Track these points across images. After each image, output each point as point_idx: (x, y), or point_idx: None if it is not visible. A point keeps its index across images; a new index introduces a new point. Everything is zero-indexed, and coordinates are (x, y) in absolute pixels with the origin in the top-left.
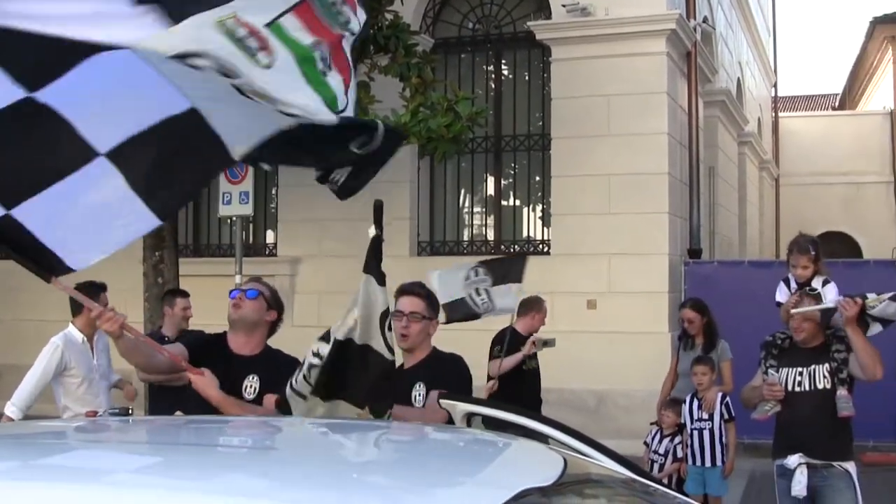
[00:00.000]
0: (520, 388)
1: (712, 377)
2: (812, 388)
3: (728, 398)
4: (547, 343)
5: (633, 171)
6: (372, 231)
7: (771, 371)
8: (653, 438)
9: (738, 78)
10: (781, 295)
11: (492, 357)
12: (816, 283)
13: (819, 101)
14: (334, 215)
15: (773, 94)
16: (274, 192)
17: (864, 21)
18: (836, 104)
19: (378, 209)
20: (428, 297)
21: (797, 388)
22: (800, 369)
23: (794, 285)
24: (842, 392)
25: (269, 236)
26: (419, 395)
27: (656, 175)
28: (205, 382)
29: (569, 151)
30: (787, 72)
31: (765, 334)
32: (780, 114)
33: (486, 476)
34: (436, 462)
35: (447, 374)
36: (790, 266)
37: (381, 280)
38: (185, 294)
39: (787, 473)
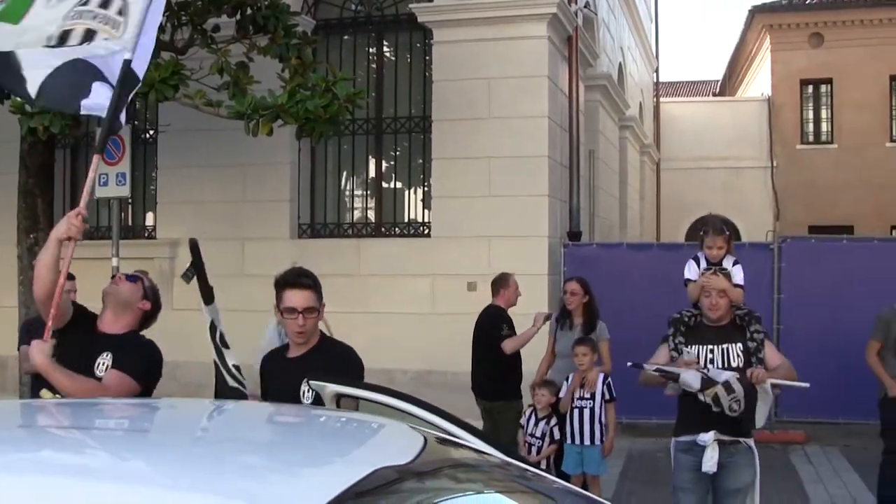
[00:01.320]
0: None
1: (593, 357)
2: (725, 366)
3: (609, 378)
4: (548, 317)
5: (513, 154)
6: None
7: (683, 349)
8: (527, 421)
9: (620, 63)
10: (691, 272)
11: (499, 337)
12: (727, 262)
13: (700, 87)
14: (215, 197)
15: (654, 80)
16: (154, 173)
17: (743, 9)
18: (717, 90)
19: (194, 248)
20: (315, 285)
21: (709, 366)
22: (711, 347)
23: (703, 264)
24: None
25: (149, 218)
26: (306, 391)
27: (536, 158)
28: (36, 346)
29: (449, 134)
30: (669, 58)
31: (643, 315)
32: (662, 99)
33: (344, 455)
34: (296, 442)
35: (342, 364)
36: (704, 247)
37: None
38: (70, 276)
39: (694, 449)
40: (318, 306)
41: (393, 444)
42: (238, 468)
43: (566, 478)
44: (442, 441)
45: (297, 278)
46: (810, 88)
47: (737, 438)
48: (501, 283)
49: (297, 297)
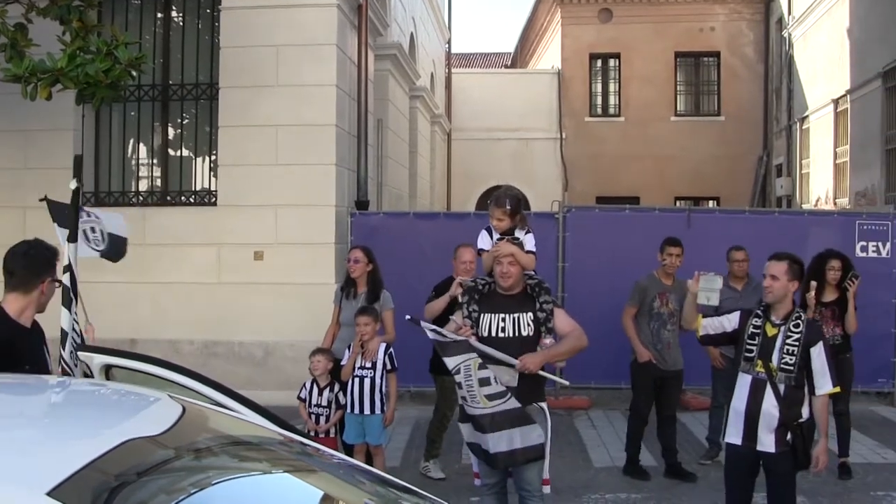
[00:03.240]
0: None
1: (375, 327)
2: (516, 334)
3: (392, 348)
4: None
5: (301, 123)
6: (73, 184)
7: (482, 316)
8: (309, 393)
9: (412, 33)
10: (484, 242)
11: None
12: (519, 233)
13: (493, 59)
14: None
15: (446, 51)
16: None
17: None
18: (509, 63)
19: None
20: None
21: (500, 335)
22: (503, 315)
23: (496, 234)
24: (548, 341)
25: None
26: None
27: (324, 127)
28: None
29: (237, 101)
30: (462, 30)
31: (430, 283)
32: (454, 70)
33: (95, 427)
34: (44, 415)
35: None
36: (490, 217)
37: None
38: None
39: None
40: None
41: (147, 414)
42: None
43: (349, 448)
44: (199, 411)
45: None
46: (599, 62)
47: (528, 403)
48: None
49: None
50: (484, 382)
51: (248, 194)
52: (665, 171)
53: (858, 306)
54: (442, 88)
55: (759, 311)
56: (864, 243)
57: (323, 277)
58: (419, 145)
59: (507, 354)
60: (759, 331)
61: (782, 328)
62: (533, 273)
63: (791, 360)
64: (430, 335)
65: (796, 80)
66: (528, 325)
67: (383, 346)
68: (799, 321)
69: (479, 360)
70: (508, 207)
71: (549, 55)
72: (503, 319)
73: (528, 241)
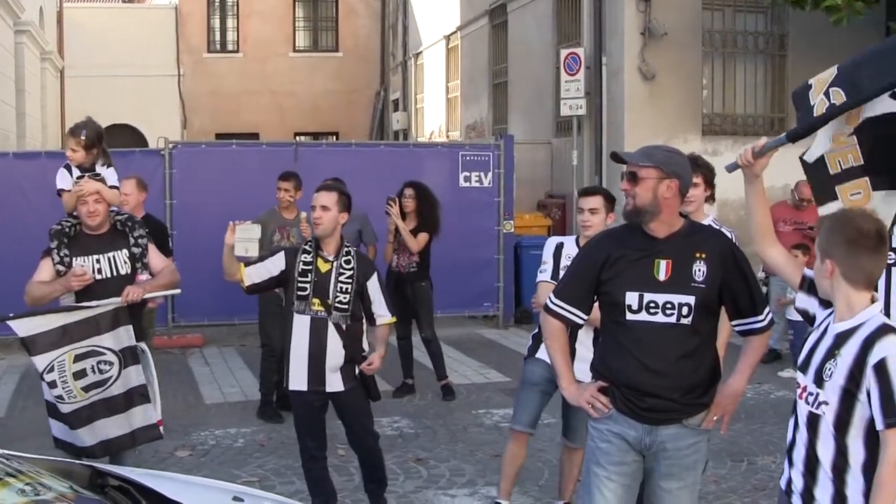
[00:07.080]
0: None
1: None
2: (115, 273)
3: None
4: None
5: None
6: None
7: (75, 260)
8: None
9: None
10: (64, 182)
11: None
12: (101, 168)
13: None
14: None
15: None
16: None
17: None
18: None
19: None
20: None
21: (98, 276)
22: (97, 256)
23: (76, 171)
24: (144, 277)
25: None
26: None
27: None
28: None
29: None
30: None
31: (37, 226)
32: (67, 5)
33: None
34: None
35: None
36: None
37: None
38: None
39: None
40: None
41: None
42: None
43: None
44: None
45: None
46: None
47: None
48: None
49: None
50: (79, 375)
51: None
52: (284, 107)
53: (463, 234)
54: (54, 23)
55: (306, 248)
56: (467, 173)
57: None
58: (27, 83)
59: (98, 297)
60: (310, 267)
61: (335, 264)
62: (119, 209)
63: (346, 297)
64: (20, 332)
65: (411, 17)
66: (125, 262)
67: None
68: (349, 256)
69: (76, 353)
70: (83, 138)
71: None
72: (98, 261)
73: (110, 177)
